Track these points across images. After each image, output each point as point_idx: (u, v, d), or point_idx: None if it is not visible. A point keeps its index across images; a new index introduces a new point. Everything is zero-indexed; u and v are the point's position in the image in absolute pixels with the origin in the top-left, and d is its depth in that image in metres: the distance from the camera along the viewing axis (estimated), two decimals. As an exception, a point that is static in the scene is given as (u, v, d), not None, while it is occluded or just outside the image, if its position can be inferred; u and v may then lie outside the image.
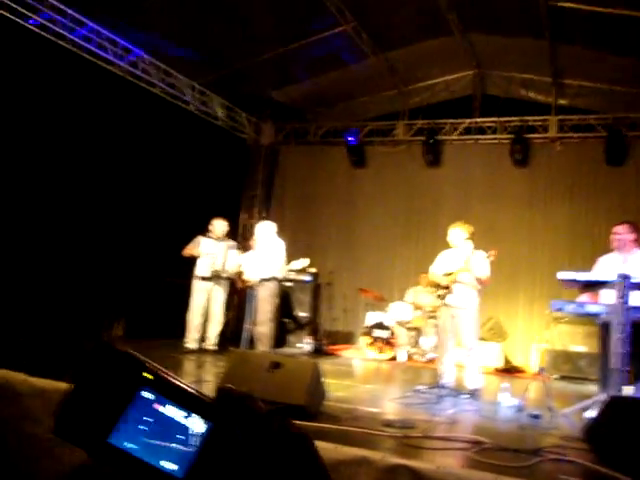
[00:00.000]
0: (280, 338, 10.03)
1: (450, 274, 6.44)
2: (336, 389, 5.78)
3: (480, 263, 6.36)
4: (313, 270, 10.33)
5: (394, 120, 11.41)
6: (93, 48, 8.33)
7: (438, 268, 6.62)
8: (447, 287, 6.43)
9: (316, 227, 11.56)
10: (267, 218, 11.89)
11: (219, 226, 8.22)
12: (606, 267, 5.54)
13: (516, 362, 9.90)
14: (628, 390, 4.87)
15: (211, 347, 7.98)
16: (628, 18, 7.51)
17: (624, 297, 4.63)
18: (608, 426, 3.62)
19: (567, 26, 8.33)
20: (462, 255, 6.45)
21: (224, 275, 8.14)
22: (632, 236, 5.60)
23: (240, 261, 8.33)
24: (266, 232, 7.52)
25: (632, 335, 4.67)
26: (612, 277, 4.75)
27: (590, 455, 3.70)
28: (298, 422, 3.36)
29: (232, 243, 8.32)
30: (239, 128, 11.62)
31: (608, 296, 5.03)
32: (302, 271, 9.80)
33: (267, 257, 7.44)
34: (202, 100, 10.40)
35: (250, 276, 7.70)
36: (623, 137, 9.74)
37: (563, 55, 9.27)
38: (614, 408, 3.70)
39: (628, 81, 9.42)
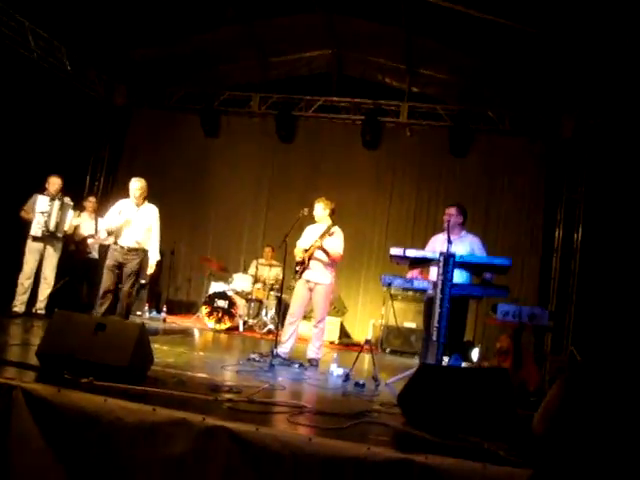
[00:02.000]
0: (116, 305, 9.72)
1: (307, 249, 6.56)
2: (167, 356, 5.71)
3: (333, 240, 6.52)
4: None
5: (251, 92, 11.30)
6: None
7: (302, 242, 6.72)
8: (303, 262, 6.53)
9: (164, 194, 11.19)
10: (113, 182, 11.46)
11: (53, 183, 7.77)
12: (436, 246, 5.88)
13: (355, 337, 10.30)
14: (444, 361, 5.22)
15: (41, 311, 7.56)
16: (479, 20, 7.93)
17: (446, 274, 4.94)
18: (418, 391, 3.84)
19: (425, 18, 8.63)
20: (321, 230, 6.59)
21: (58, 234, 7.71)
22: (460, 218, 5.98)
23: (77, 221, 8.05)
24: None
25: (451, 310, 5.00)
26: (436, 255, 5.05)
27: (402, 418, 3.91)
28: (120, 385, 3.23)
29: (67, 200, 7.87)
30: (90, 85, 10.97)
31: (435, 273, 5.34)
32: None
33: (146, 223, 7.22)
34: (48, 49, 9.66)
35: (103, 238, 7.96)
36: (468, 129, 10.30)
37: (419, 45, 9.63)
38: (424, 375, 3.93)
39: (475, 77, 9.99)
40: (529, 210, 10.17)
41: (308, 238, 6.71)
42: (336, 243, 6.57)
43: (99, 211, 8.66)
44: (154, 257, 7.24)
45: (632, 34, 6.76)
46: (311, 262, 6.52)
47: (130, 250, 6.97)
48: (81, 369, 3.81)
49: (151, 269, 7.28)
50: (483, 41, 8.67)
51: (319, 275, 6.55)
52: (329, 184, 10.27)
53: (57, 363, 3.94)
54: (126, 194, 7.18)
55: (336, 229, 6.61)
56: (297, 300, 6.61)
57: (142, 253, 7.12)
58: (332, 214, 6.75)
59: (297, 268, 6.63)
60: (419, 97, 10.87)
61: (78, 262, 8.43)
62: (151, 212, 7.25)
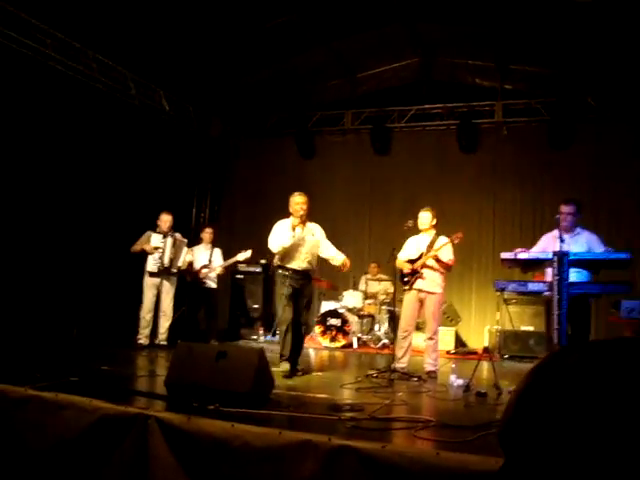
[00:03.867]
0: (233, 332, 10.03)
1: (417, 259, 6.53)
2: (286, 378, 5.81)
3: (446, 248, 6.49)
4: (263, 261, 10.34)
5: (342, 109, 11.42)
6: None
7: (405, 254, 6.71)
8: (415, 272, 6.50)
9: (267, 219, 11.47)
10: (219, 212, 11.88)
11: (165, 220, 8.17)
12: (548, 245, 5.68)
13: (470, 344, 10.08)
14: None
15: (163, 342, 7.97)
16: (567, 4, 7.66)
17: (561, 274, 4.75)
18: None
19: (509, 13, 8.43)
20: (428, 240, 6.57)
21: (173, 270, 8.10)
22: (577, 216, 5.76)
23: (190, 257, 8.39)
24: None
25: (572, 311, 4.80)
26: (549, 255, 4.87)
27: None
28: (245, 410, 3.35)
29: (179, 237, 8.26)
30: (188, 121, 11.46)
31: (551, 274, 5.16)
32: (251, 263, 9.82)
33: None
34: (147, 94, 10.20)
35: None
36: (568, 120, 9.90)
37: (505, 41, 9.39)
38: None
39: (569, 65, 9.61)
40: (639, 198, 9.60)
41: (412, 249, 6.67)
42: (449, 250, 6.51)
43: (214, 241, 9.02)
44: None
45: None
46: (424, 271, 6.47)
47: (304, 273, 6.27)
48: (206, 396, 3.95)
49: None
50: (573, 24, 8.33)
51: (432, 285, 6.49)
52: (429, 193, 10.16)
53: (184, 392, 4.11)
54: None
55: (444, 238, 6.55)
56: (408, 312, 6.56)
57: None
58: (435, 223, 6.70)
59: (405, 279, 6.59)
60: (513, 94, 10.58)
61: (195, 293, 8.77)
62: (316, 229, 6.51)
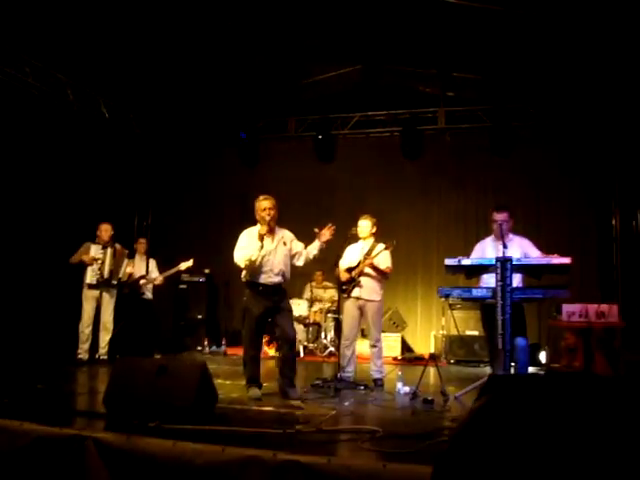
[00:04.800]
0: (178, 343, 9.84)
1: (355, 267, 6.49)
2: (231, 390, 5.70)
3: (383, 255, 6.48)
4: (207, 271, 10.18)
5: (286, 116, 11.36)
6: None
7: (345, 262, 6.67)
8: (353, 280, 6.46)
9: (213, 227, 11.35)
10: (162, 221, 11.62)
11: (104, 230, 7.94)
12: (485, 252, 5.74)
13: (417, 350, 10.13)
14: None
15: (103, 357, 7.73)
16: (507, 14, 7.79)
17: (505, 280, 4.80)
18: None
19: (451, 20, 8.51)
20: (367, 248, 6.54)
21: (113, 282, 7.88)
22: (510, 222, 5.84)
23: (131, 268, 8.18)
24: None
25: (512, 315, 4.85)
26: (492, 261, 4.92)
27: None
28: (187, 426, 3.22)
29: (120, 248, 8.04)
30: (127, 128, 11.17)
31: (489, 280, 5.21)
32: (195, 272, 9.66)
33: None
34: (85, 100, 9.91)
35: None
36: (508, 127, 10.07)
37: (446, 48, 9.47)
38: (494, 386, 3.79)
39: (510, 73, 9.77)
40: (579, 204, 9.86)
41: (352, 257, 6.64)
42: (386, 258, 6.50)
43: (150, 252, 8.81)
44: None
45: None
46: (361, 279, 6.44)
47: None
48: (148, 413, 3.82)
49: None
50: (513, 35, 8.48)
51: (370, 292, 6.46)
52: (374, 199, 10.20)
53: (124, 409, 3.97)
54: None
55: (381, 245, 6.53)
56: (348, 321, 6.52)
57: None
58: (375, 231, 6.67)
59: (344, 287, 6.55)
60: (456, 101, 10.71)
61: (134, 305, 8.54)
62: (287, 235, 5.80)
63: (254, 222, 5.65)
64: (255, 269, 5.44)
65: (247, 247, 5.47)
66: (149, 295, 8.67)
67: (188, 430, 3.65)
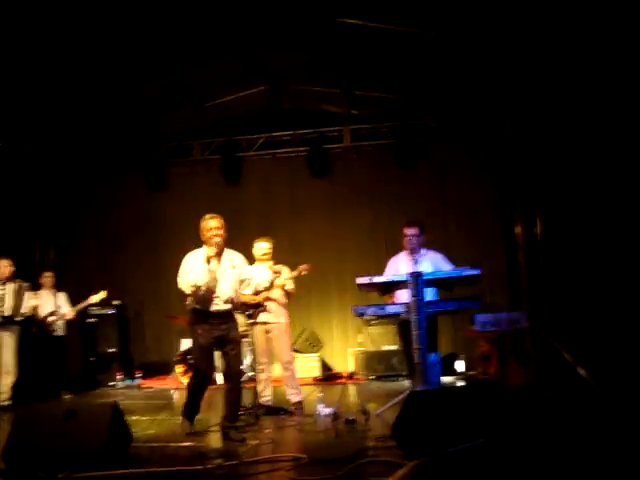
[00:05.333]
0: (88, 380, 9.39)
1: (259, 292, 6.35)
2: (148, 427, 5.48)
3: (284, 276, 6.37)
4: (117, 302, 9.81)
5: (191, 140, 11.18)
6: None
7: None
8: (259, 305, 6.34)
9: (120, 257, 10.97)
10: (65, 253, 11.11)
11: (3, 266, 7.49)
12: (398, 268, 5.80)
13: (336, 369, 10.11)
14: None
15: (6, 402, 7.15)
16: (407, 34, 7.99)
17: (418, 294, 4.84)
18: (411, 421, 3.71)
19: (352, 41, 8.64)
20: (268, 271, 6.39)
21: (17, 319, 7.43)
22: (423, 236, 5.92)
23: (35, 301, 7.70)
24: None
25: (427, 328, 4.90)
26: (404, 277, 4.96)
27: (399, 451, 3.77)
28: (99, 473, 3.00)
29: (21, 283, 7.59)
30: (25, 159, 10.62)
31: (402, 295, 5.26)
32: (104, 304, 9.28)
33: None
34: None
35: None
36: (413, 143, 10.32)
37: (348, 68, 9.62)
38: (414, 402, 3.81)
39: (411, 91, 10.03)
40: (485, 214, 10.18)
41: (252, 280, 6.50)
42: (288, 279, 6.41)
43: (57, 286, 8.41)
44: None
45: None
46: (267, 303, 6.35)
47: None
48: (56, 463, 3.57)
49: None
50: (411, 53, 8.71)
51: (275, 315, 6.37)
52: (283, 219, 10.16)
53: (28, 461, 3.69)
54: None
55: (280, 266, 6.43)
56: (260, 345, 6.37)
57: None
58: (272, 251, 6.56)
59: (248, 313, 6.42)
60: (361, 119, 10.86)
61: (42, 344, 8.05)
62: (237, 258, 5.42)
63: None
64: (201, 296, 5.03)
65: (192, 271, 5.05)
66: (60, 332, 8.21)
67: (102, 477, 3.44)
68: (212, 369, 5.26)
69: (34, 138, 10.49)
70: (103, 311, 9.82)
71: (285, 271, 6.40)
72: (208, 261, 5.06)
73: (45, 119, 9.80)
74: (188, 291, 5.04)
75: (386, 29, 8.06)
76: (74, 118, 9.99)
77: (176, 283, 5.20)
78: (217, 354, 5.53)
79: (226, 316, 5.15)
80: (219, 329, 5.05)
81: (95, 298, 8.04)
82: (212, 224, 5.25)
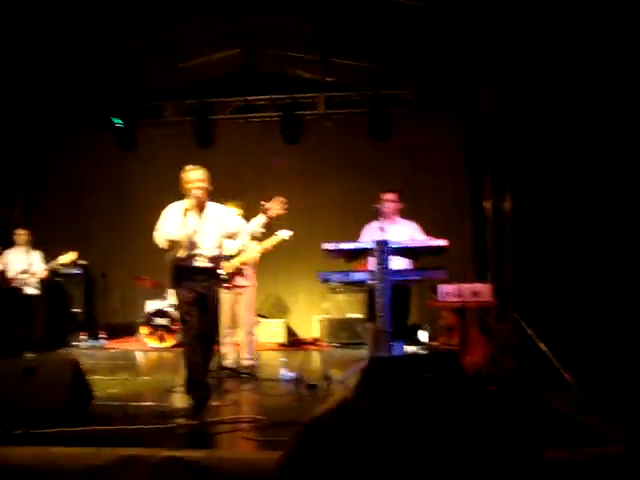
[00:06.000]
0: (53, 339, 9.32)
1: (231, 256, 6.32)
2: (110, 386, 5.47)
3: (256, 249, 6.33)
4: (84, 262, 9.69)
5: (164, 100, 11.00)
6: None
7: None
8: (236, 273, 6.33)
9: (88, 217, 10.83)
10: (32, 211, 10.92)
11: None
12: (371, 235, 5.82)
13: (301, 335, 10.18)
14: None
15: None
16: (385, 1, 7.92)
17: (383, 263, 4.88)
18: (372, 385, 3.76)
19: (331, 6, 8.53)
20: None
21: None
22: (399, 204, 5.95)
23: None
24: None
25: (393, 297, 4.94)
26: (371, 244, 4.99)
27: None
28: (58, 429, 2.98)
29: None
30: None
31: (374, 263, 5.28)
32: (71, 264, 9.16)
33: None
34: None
35: None
36: (386, 113, 10.28)
37: (327, 34, 9.50)
38: (375, 368, 3.86)
39: (388, 61, 9.98)
40: (455, 186, 10.22)
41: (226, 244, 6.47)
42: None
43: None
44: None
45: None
46: (243, 267, 6.35)
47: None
48: (15, 419, 3.56)
49: None
50: (390, 23, 8.65)
51: (248, 279, 6.38)
52: (254, 184, 10.08)
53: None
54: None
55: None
56: (228, 310, 6.37)
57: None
58: (242, 215, 6.48)
59: (226, 277, 6.38)
60: (336, 86, 10.78)
61: (11, 302, 7.90)
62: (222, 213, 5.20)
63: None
64: (181, 249, 4.72)
65: (169, 225, 4.76)
66: (34, 291, 8.05)
67: (60, 434, 3.44)
68: (204, 324, 4.74)
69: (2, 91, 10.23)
70: (70, 271, 9.71)
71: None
72: (185, 214, 4.75)
73: (14, 68, 9.54)
74: (163, 245, 4.80)
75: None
76: (45, 69, 9.74)
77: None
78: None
79: (209, 273, 4.86)
80: (200, 286, 4.76)
81: (64, 259, 7.92)
82: (192, 176, 4.88)
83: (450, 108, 10.26)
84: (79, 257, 9.18)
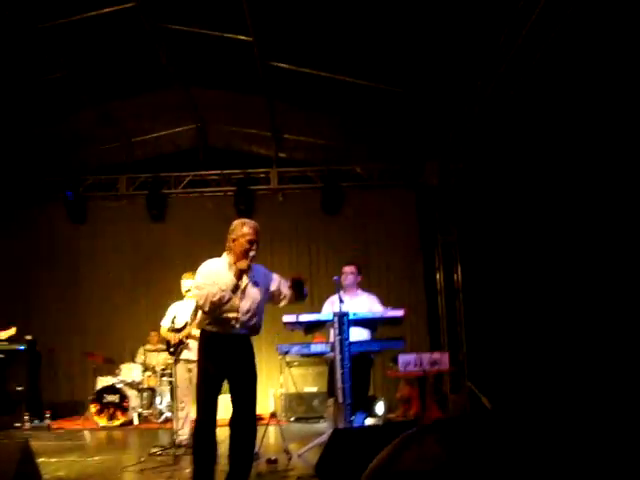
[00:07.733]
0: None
1: (181, 329, 6.25)
2: (57, 469, 5.22)
3: None
4: (29, 337, 9.36)
5: (117, 174, 10.99)
6: None
7: (168, 322, 6.38)
8: (181, 342, 6.22)
9: (35, 291, 10.55)
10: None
11: None
12: (332, 307, 5.83)
13: (258, 410, 9.92)
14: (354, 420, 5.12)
15: None
16: (335, 81, 8.23)
17: (342, 334, 4.88)
18: (335, 458, 3.70)
19: (284, 84, 8.79)
20: (192, 307, 6.29)
21: None
22: (359, 276, 6.01)
23: None
24: None
25: (353, 368, 4.93)
26: (330, 316, 5.00)
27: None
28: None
29: None
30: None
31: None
32: (14, 340, 8.83)
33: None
34: None
35: None
36: (338, 187, 10.52)
37: (281, 111, 9.77)
38: (338, 440, 3.81)
39: (339, 137, 10.29)
40: (408, 259, 10.43)
41: (177, 316, 6.38)
42: None
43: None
44: None
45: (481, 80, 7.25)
46: (189, 341, 6.23)
47: None
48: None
49: None
50: (342, 101, 8.95)
51: (192, 353, 6.26)
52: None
53: None
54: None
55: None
56: (182, 383, 6.27)
57: None
58: None
59: (171, 350, 6.29)
60: (288, 162, 11.01)
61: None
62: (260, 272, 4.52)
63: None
64: (217, 316, 4.12)
65: (213, 284, 4.06)
66: None
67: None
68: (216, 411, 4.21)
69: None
70: (12, 347, 9.34)
71: None
72: (239, 275, 4.14)
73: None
74: (207, 307, 4.06)
75: (316, 75, 8.29)
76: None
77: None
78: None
79: (242, 342, 4.25)
80: (232, 357, 4.15)
81: (3, 334, 7.66)
82: (247, 230, 4.29)
83: (400, 183, 10.57)
84: (25, 332, 8.92)
